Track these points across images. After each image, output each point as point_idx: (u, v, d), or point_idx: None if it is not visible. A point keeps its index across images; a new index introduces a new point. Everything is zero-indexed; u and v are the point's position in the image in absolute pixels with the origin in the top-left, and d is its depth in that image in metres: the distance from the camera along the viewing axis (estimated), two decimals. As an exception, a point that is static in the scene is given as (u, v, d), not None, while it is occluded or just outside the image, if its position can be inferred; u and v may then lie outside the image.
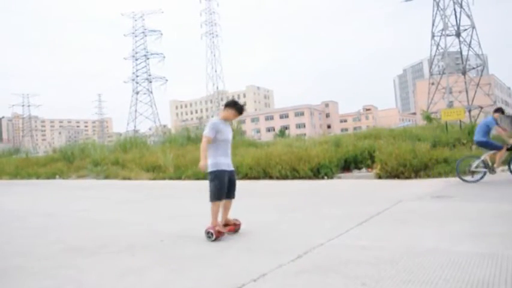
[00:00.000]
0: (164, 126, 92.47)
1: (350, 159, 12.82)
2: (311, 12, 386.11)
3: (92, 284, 3.46)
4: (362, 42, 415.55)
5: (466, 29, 45.00)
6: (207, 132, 5.01)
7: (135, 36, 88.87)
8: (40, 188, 15.37)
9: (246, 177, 12.96)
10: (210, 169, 5.01)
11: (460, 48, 45.37)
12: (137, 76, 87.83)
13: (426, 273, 3.20)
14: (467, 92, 44.49)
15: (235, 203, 5.34)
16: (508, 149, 8.99)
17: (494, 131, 10.14)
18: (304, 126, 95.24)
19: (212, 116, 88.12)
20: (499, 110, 9.49)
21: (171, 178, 14.79)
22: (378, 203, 6.86)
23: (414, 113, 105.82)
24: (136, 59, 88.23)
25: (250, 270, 3.56)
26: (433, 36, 46.11)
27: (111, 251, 4.64)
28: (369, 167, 12.25)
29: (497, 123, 9.33)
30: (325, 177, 11.85)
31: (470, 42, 44.46)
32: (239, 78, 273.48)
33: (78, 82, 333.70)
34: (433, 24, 46.10)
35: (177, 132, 30.15)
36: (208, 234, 4.84)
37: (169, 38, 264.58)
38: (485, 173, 9.14)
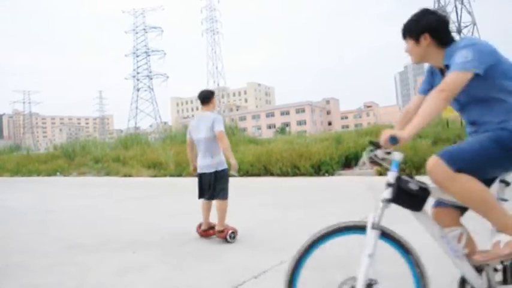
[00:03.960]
0: (165, 123, 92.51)
1: (351, 156, 12.82)
2: (312, 9, 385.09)
3: (93, 281, 3.47)
4: (363, 39, 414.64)
5: (467, 26, 45.00)
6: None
7: (136, 33, 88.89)
8: (41, 185, 15.39)
9: (246, 174, 12.96)
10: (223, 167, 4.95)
11: (461, 44, 45.31)
12: (138, 73, 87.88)
13: (427, 270, 3.19)
14: (468, 88, 44.45)
15: (235, 200, 5.34)
16: None
17: None
18: (305, 123, 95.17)
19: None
20: None
21: (171, 175, 14.80)
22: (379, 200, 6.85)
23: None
24: (137, 56, 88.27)
25: (251, 267, 3.56)
26: (434, 32, 46.04)
27: (112, 248, 4.64)
28: (369, 164, 12.25)
29: None
30: (326, 174, 11.86)
31: (472, 39, 44.43)
32: (240, 75, 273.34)
33: (79, 79, 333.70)
34: (434, 21, 46.05)
35: (177, 129, 30.16)
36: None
37: (170, 35, 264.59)
38: None
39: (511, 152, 2.00)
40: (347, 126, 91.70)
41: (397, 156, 2.06)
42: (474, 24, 44.63)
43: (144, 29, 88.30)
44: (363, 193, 8.23)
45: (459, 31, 45.10)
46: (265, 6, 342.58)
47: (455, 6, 45.23)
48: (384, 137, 1.99)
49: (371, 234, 2.00)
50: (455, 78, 1.99)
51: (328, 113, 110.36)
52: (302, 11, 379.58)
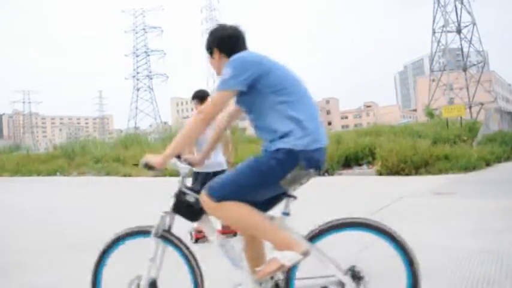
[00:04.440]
0: (165, 123, 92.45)
1: (351, 156, 12.83)
2: (312, 9, 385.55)
3: (93, 281, 3.47)
4: (363, 38, 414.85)
5: (466, 26, 44.92)
6: None
7: (136, 32, 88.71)
8: (41, 185, 15.39)
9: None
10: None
11: (461, 44, 45.31)
12: (138, 73, 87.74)
13: (427, 269, 3.20)
14: (467, 88, 44.46)
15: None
16: None
17: None
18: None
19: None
20: None
21: (171, 175, 14.78)
22: (378, 199, 6.87)
23: (415, 110, 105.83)
24: (137, 56, 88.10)
25: (251, 266, 3.55)
26: (433, 32, 46.05)
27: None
28: (369, 163, 12.26)
29: None
30: (326, 174, 11.86)
31: (471, 38, 44.43)
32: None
33: (79, 79, 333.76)
34: (433, 21, 46.05)
35: (177, 129, 30.14)
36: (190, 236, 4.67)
37: (170, 35, 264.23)
38: None
39: (269, 175, 1.98)
40: (347, 126, 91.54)
41: (183, 170, 2.26)
42: (474, 24, 44.57)
43: (144, 29, 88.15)
44: (362, 193, 8.24)
45: (459, 31, 45.03)
46: (265, 6, 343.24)
47: (455, 6, 45.14)
48: (141, 162, 2.11)
49: (152, 240, 2.22)
50: (215, 99, 2.00)
51: (328, 112, 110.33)
52: (302, 10, 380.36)
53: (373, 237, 2.07)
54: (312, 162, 1.98)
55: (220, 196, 2.01)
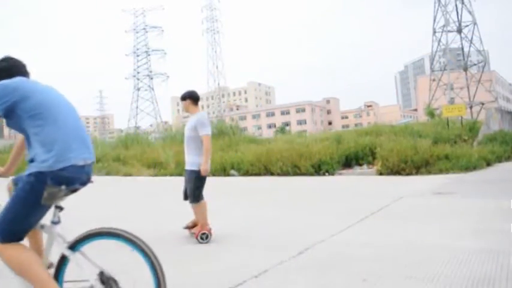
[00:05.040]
0: (165, 122, 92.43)
1: (351, 155, 12.83)
2: (313, 9, 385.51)
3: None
4: (363, 38, 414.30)
5: (467, 25, 44.88)
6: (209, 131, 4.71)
7: (136, 32, 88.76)
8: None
9: (247, 173, 12.96)
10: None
11: (462, 44, 45.28)
12: (138, 73, 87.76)
13: (427, 269, 3.20)
14: (468, 88, 44.45)
15: (236, 199, 5.33)
16: None
17: None
18: (306, 122, 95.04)
19: (214, 113, 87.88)
20: None
21: (172, 175, 14.80)
22: (379, 199, 6.87)
23: (415, 110, 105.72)
24: (138, 56, 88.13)
25: (252, 266, 3.55)
26: (434, 32, 46.01)
27: (111, 247, 4.64)
28: (370, 163, 12.26)
29: None
30: (326, 173, 11.86)
31: (472, 38, 44.37)
32: (240, 74, 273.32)
33: (79, 78, 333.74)
34: (434, 21, 46.01)
35: (178, 129, 30.14)
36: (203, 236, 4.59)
37: (171, 34, 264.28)
38: None
39: (29, 200, 2.11)
40: (347, 126, 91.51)
41: None
42: (475, 23, 44.53)
43: (145, 29, 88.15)
44: (362, 192, 8.24)
45: (459, 30, 44.99)
46: (265, 6, 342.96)
47: (456, 5, 45.09)
48: None
49: None
50: None
51: (329, 112, 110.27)
52: (302, 10, 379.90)
53: (125, 245, 2.32)
54: (61, 180, 2.12)
55: (3, 238, 2.12)
